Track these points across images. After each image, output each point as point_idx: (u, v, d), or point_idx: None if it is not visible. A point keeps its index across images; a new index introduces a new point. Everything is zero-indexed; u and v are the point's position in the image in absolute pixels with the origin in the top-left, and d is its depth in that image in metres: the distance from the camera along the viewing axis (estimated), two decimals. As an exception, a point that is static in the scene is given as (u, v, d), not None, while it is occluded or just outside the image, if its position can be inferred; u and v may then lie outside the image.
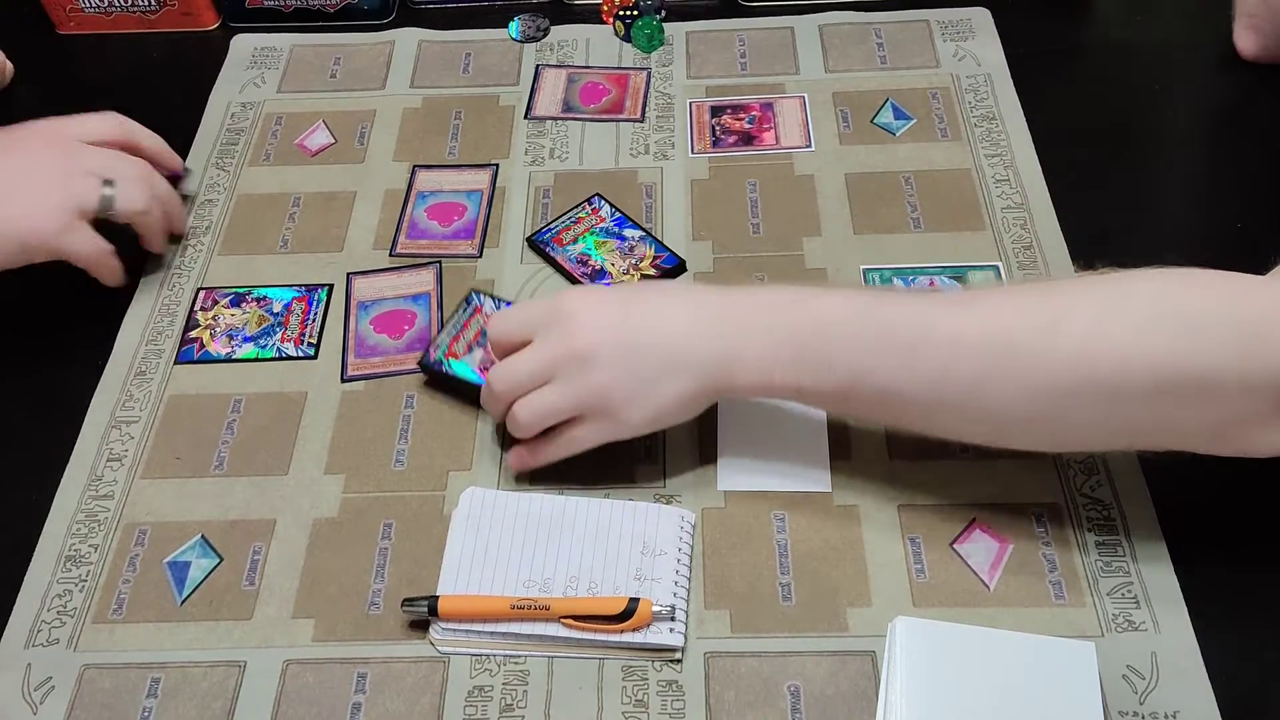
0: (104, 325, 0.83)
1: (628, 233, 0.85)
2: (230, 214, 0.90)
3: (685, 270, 0.83)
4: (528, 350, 0.68)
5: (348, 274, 0.85)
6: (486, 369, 0.75)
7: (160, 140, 0.86)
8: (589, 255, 0.83)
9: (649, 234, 0.85)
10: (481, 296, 0.80)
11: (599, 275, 0.81)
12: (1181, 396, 0.57)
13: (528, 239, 0.85)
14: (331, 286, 0.84)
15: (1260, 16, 0.93)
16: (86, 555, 0.71)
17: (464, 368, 0.76)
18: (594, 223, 0.85)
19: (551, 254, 0.84)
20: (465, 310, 0.79)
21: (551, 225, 0.86)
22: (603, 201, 0.87)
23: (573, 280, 0.82)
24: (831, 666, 0.64)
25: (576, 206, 0.87)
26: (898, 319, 0.63)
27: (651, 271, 0.82)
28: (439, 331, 0.79)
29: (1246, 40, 0.94)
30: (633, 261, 0.83)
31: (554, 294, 0.72)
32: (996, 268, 0.82)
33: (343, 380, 0.79)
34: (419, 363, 0.77)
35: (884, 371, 0.62)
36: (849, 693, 0.63)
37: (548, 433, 0.69)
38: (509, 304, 0.80)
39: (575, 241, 0.84)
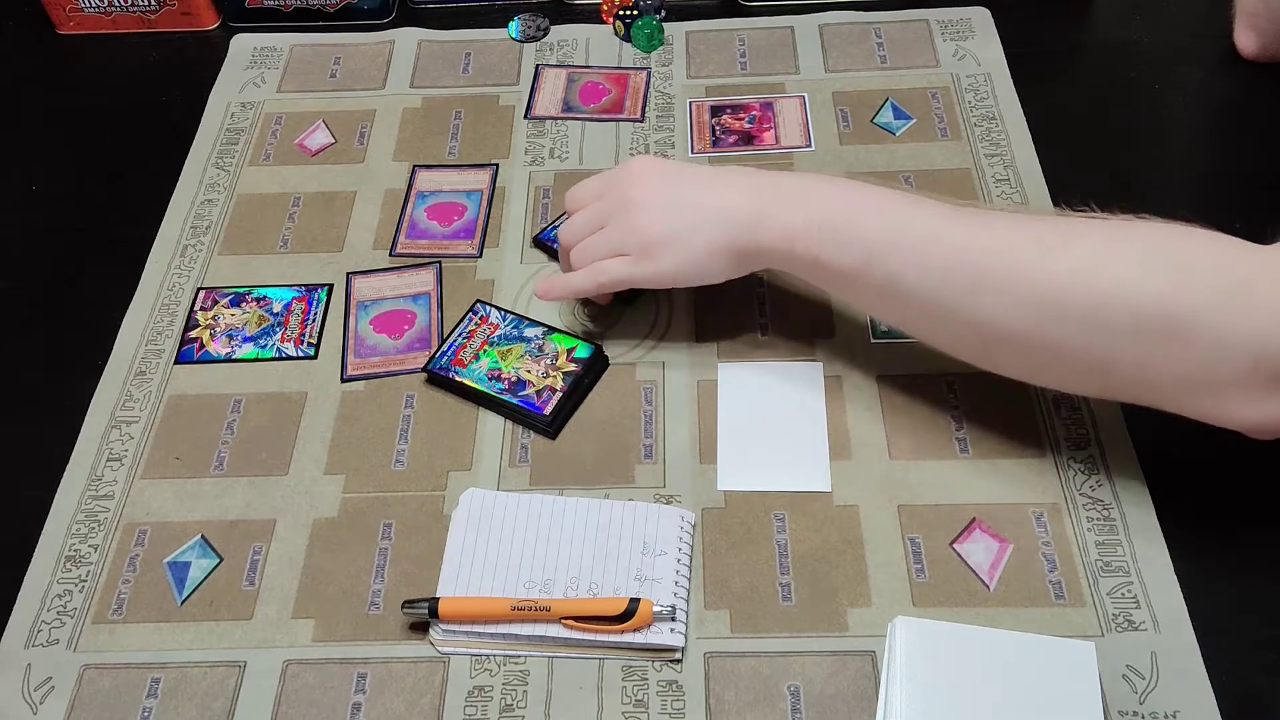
0: (104, 325, 0.83)
1: (528, 332, 0.79)
2: (230, 214, 0.90)
3: (605, 358, 0.78)
4: (590, 206, 0.75)
5: (347, 274, 0.85)
6: (494, 377, 0.76)
7: None
8: (499, 369, 0.77)
9: (550, 328, 0.79)
10: (487, 307, 0.81)
11: (518, 386, 0.76)
12: (1159, 338, 0.59)
13: (425, 370, 0.77)
14: (331, 286, 0.84)
15: (1260, 16, 0.93)
16: (86, 555, 0.71)
17: (470, 374, 0.76)
18: (488, 333, 0.79)
19: (459, 379, 0.76)
20: (472, 320, 0.80)
21: (444, 348, 0.78)
22: (488, 307, 0.81)
23: (479, 401, 0.77)
24: (831, 666, 0.64)
25: (462, 320, 0.80)
26: (919, 215, 0.66)
27: (571, 367, 0.77)
28: (445, 341, 0.79)
29: (1246, 40, 0.94)
30: (548, 362, 0.77)
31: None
32: (996, 267, 0.82)
33: (342, 380, 0.79)
34: (424, 368, 0.78)
35: (895, 261, 0.66)
36: (849, 693, 0.63)
37: None
38: (513, 315, 0.80)
39: (477, 358, 0.77)
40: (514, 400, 0.75)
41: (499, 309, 0.81)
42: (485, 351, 0.78)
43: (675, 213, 0.72)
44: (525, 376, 0.76)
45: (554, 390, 0.75)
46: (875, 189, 0.69)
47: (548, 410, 0.74)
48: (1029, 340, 0.63)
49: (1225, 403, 0.59)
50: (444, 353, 0.78)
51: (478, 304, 0.81)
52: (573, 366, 0.76)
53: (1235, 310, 0.58)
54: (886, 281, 0.66)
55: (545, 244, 0.85)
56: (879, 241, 0.66)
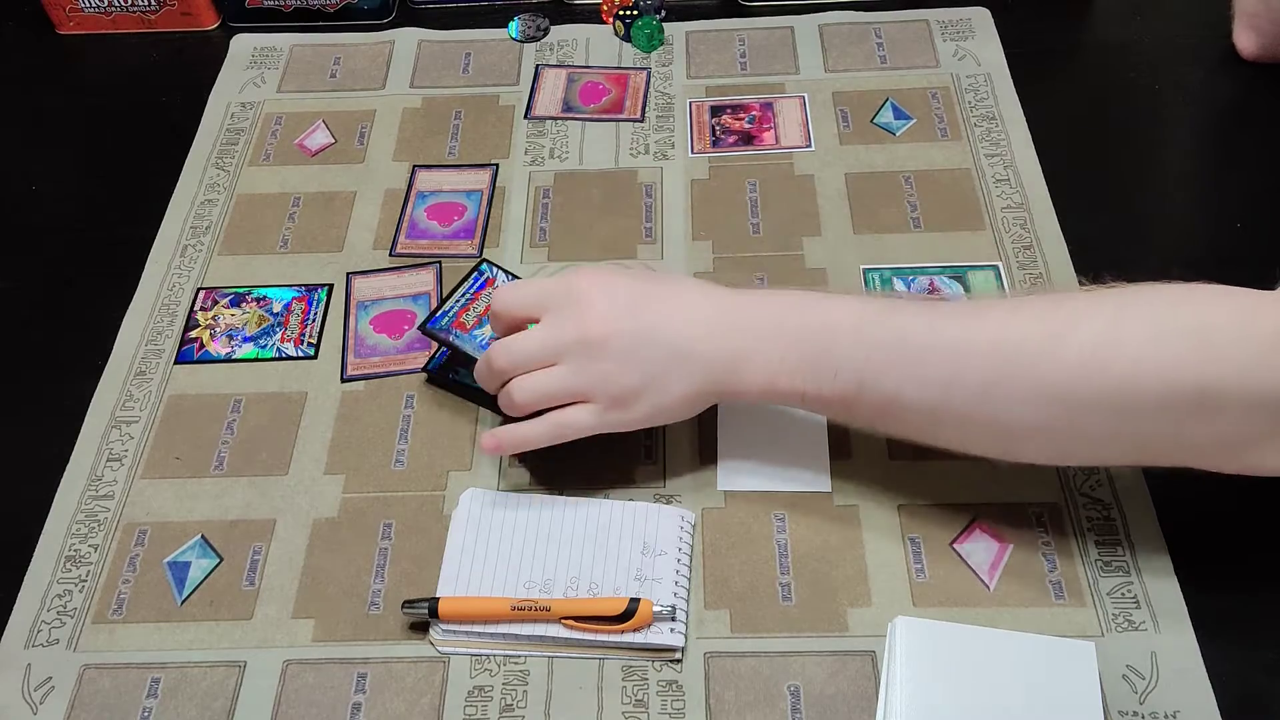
0: (104, 325, 0.83)
1: None
2: (230, 214, 0.90)
3: None
4: (537, 330, 0.68)
5: (347, 274, 0.85)
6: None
7: None
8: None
9: None
10: (494, 268, 0.79)
11: None
12: (1189, 410, 0.57)
13: (421, 328, 0.76)
14: (331, 286, 0.84)
15: (1260, 17, 0.93)
16: (86, 555, 0.71)
17: (470, 341, 0.75)
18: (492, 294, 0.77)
19: (455, 342, 0.75)
20: (475, 281, 0.78)
21: (446, 307, 0.76)
22: (494, 269, 0.79)
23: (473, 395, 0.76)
24: (831, 666, 0.64)
25: (465, 280, 0.79)
26: (906, 326, 0.62)
27: None
28: (446, 300, 0.77)
29: (1246, 40, 0.94)
30: None
31: (564, 271, 0.70)
32: (996, 268, 0.82)
33: (342, 380, 0.79)
34: (420, 326, 0.76)
35: (890, 379, 0.62)
36: (849, 693, 0.63)
37: (532, 416, 0.69)
38: (520, 278, 0.79)
39: (481, 323, 0.76)
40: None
41: (506, 271, 0.80)
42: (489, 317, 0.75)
43: (646, 357, 0.65)
44: None
45: None
46: (846, 300, 0.65)
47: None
48: (1052, 432, 0.60)
49: (1263, 456, 0.58)
50: (444, 312, 0.76)
51: (484, 264, 0.79)
52: None
53: (1264, 370, 0.55)
54: (884, 402, 0.63)
55: (436, 334, 0.75)
56: (868, 363, 0.62)
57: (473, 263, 0.81)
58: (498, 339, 0.70)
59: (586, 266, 0.68)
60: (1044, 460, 0.65)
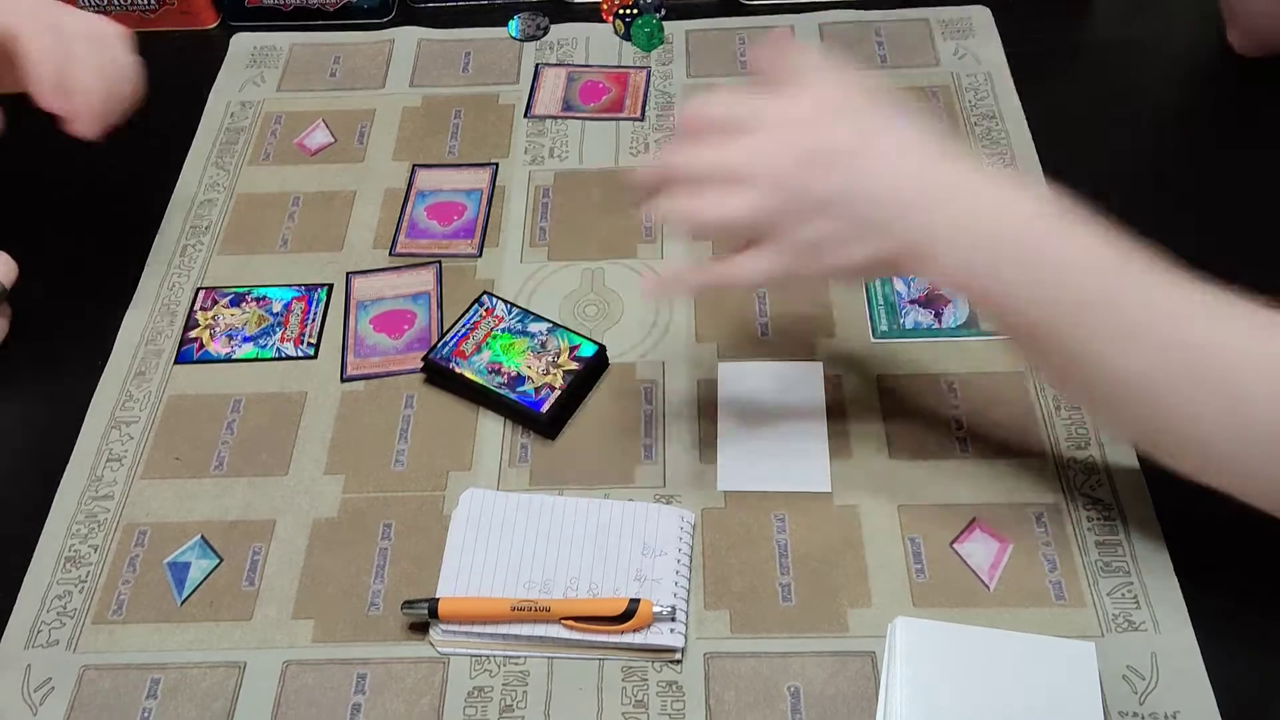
0: (104, 325, 0.83)
1: (533, 327, 0.78)
2: (230, 213, 0.90)
3: (605, 359, 0.78)
4: (747, 138, 0.60)
5: (347, 274, 0.85)
6: (494, 371, 0.75)
7: None
8: (500, 362, 0.76)
9: (555, 324, 0.79)
10: (494, 299, 0.80)
11: (517, 381, 0.75)
12: None
13: (424, 359, 0.77)
14: (331, 286, 0.84)
15: (1242, 17, 0.93)
16: (86, 556, 0.71)
17: (470, 365, 0.76)
18: (493, 324, 0.78)
19: (458, 370, 0.76)
20: (475, 312, 0.79)
21: (446, 339, 0.78)
22: (494, 299, 0.80)
23: (476, 397, 0.77)
24: (831, 667, 0.64)
25: (468, 310, 0.79)
26: (1128, 298, 0.57)
27: (572, 365, 0.76)
28: (447, 332, 0.78)
29: (1238, 37, 0.94)
30: (549, 359, 0.76)
31: (775, 91, 0.62)
32: (996, 267, 0.82)
33: (342, 380, 0.79)
34: (424, 359, 0.77)
35: (1095, 347, 0.57)
36: (849, 693, 0.63)
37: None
38: (519, 309, 0.80)
39: (480, 350, 0.77)
40: (511, 396, 0.75)
41: (506, 302, 0.80)
42: (488, 344, 0.77)
43: (851, 204, 0.59)
44: (525, 372, 0.76)
45: (552, 389, 0.75)
46: (1081, 240, 0.59)
47: (545, 409, 0.74)
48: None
49: None
50: (445, 343, 0.78)
51: (484, 296, 0.81)
52: (574, 365, 0.76)
53: None
54: (1073, 362, 0.58)
55: (438, 365, 0.77)
56: (1074, 324, 0.57)
57: (473, 261, 0.81)
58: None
59: (815, 83, 0.61)
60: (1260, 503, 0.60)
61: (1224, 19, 0.95)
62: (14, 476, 0.75)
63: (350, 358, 0.80)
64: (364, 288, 0.84)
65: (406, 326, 0.81)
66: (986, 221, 0.58)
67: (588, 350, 0.77)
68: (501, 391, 0.75)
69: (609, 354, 0.78)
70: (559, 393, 0.75)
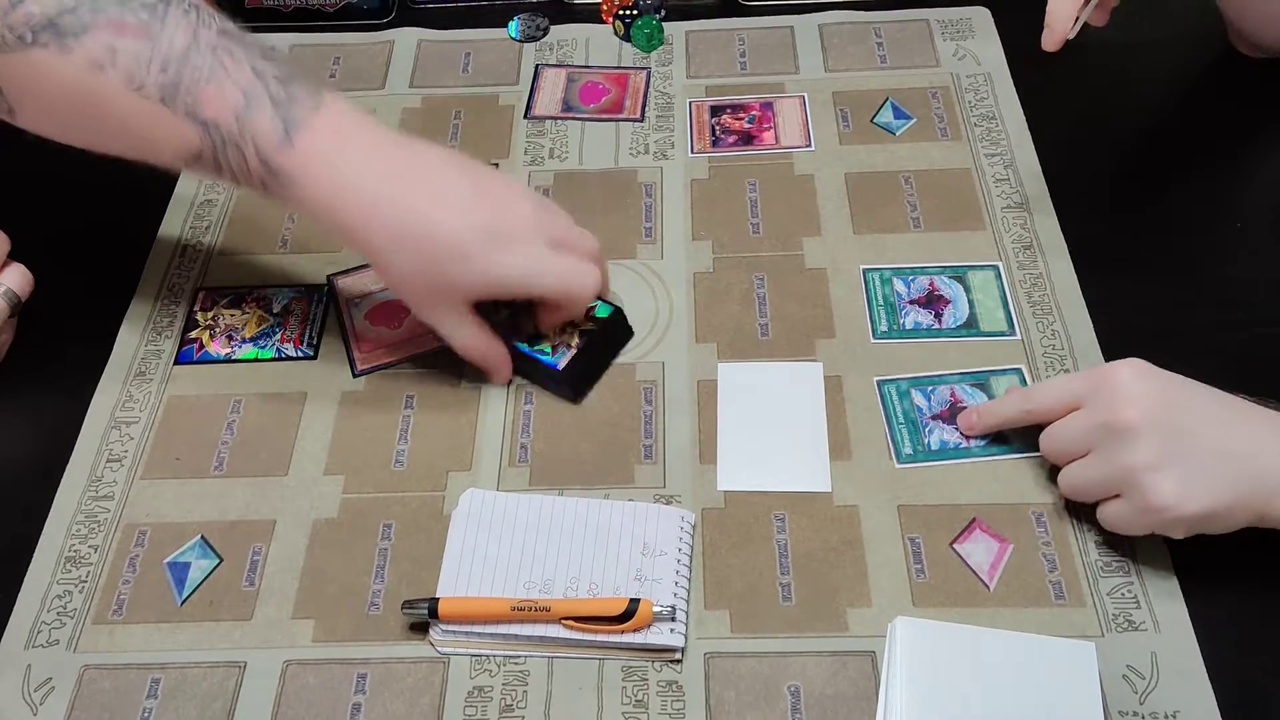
0: (104, 325, 0.83)
1: None
2: (230, 214, 0.90)
3: (626, 324, 0.79)
4: (1073, 417, 0.66)
5: (328, 276, 0.85)
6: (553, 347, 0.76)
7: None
8: None
9: None
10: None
11: (534, 339, 0.76)
12: None
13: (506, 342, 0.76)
14: (331, 287, 0.84)
15: (1239, 21, 0.93)
16: (86, 556, 0.71)
17: (538, 351, 0.76)
18: None
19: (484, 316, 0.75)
20: None
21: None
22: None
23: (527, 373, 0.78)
24: (831, 667, 0.64)
25: None
26: None
27: (589, 325, 0.76)
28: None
29: (1239, 39, 0.95)
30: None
31: (1099, 365, 0.70)
32: (996, 267, 0.82)
33: (354, 375, 0.79)
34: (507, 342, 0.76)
35: None
36: (849, 693, 0.63)
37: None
38: (607, 303, 0.78)
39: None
40: (529, 352, 0.75)
41: (601, 300, 0.79)
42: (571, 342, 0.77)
43: (1177, 447, 0.62)
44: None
45: (569, 347, 0.75)
46: None
47: (562, 365, 0.74)
48: None
49: None
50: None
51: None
52: (590, 325, 0.76)
53: None
54: None
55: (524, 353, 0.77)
56: None
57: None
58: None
59: (1124, 361, 0.66)
60: None
61: (1224, 19, 0.95)
62: (14, 477, 0.75)
63: (357, 354, 0.80)
64: (348, 286, 0.84)
65: (405, 314, 0.81)
66: None
67: (604, 311, 0.77)
68: (519, 347, 0.75)
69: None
70: (575, 351, 0.75)
